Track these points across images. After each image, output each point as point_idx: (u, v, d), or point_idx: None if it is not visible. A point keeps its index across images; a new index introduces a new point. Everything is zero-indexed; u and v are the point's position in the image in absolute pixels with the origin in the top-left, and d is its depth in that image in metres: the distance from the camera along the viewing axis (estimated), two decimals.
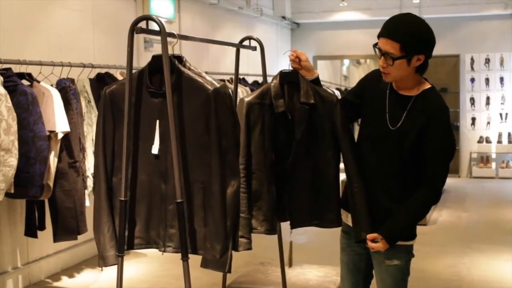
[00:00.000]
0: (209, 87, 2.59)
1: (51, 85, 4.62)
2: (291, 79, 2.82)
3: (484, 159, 11.22)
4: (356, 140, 2.83)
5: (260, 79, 7.99)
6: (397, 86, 2.66)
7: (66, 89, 4.61)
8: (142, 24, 2.66)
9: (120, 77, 5.30)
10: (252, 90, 7.63)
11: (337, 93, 11.02)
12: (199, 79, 2.63)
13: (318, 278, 3.91)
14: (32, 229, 4.72)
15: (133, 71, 2.70)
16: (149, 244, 2.78)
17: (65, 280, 5.31)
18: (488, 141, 11.17)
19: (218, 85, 2.61)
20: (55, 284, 5.22)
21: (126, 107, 2.64)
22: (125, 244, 2.74)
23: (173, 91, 2.59)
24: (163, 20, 5.04)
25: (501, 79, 11.15)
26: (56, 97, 4.44)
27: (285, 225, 2.93)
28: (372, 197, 2.69)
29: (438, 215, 7.79)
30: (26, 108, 4.20)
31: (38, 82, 4.56)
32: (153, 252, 2.86)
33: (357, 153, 2.75)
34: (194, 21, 8.24)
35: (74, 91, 4.70)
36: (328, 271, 4.03)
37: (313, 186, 2.84)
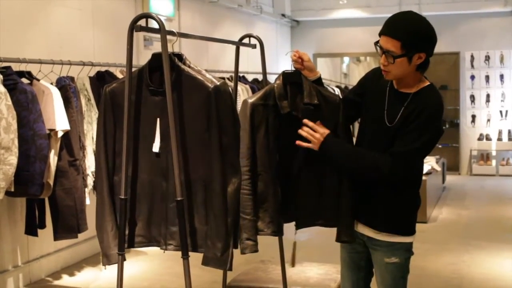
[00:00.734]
0: (209, 85, 2.59)
1: (51, 83, 4.62)
2: (293, 80, 2.80)
3: (484, 157, 11.22)
4: (356, 138, 2.84)
5: (260, 77, 7.99)
6: (397, 84, 2.67)
7: (66, 87, 4.61)
8: (142, 22, 2.66)
9: (120, 75, 5.29)
10: (252, 88, 7.63)
11: (337, 90, 11.03)
12: (199, 77, 2.63)
13: (318, 276, 3.91)
14: (32, 227, 4.72)
15: (133, 69, 2.70)
16: (150, 242, 2.78)
17: (65, 278, 5.31)
18: (488, 138, 11.17)
19: (218, 83, 2.60)
20: (56, 282, 5.23)
21: (126, 105, 2.63)
22: (125, 243, 2.73)
23: (173, 89, 2.58)
24: (162, 18, 5.04)
25: (501, 76, 11.15)
26: (56, 95, 4.44)
27: (286, 224, 2.92)
28: (370, 193, 2.69)
29: (439, 212, 7.80)
30: (26, 107, 4.20)
31: (38, 80, 4.55)
32: (154, 250, 2.86)
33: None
34: (193, 19, 8.23)
35: (74, 89, 4.70)
36: (328, 269, 4.03)
37: (317, 186, 2.83)
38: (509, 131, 11.09)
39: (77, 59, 5.11)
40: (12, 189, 4.13)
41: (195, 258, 2.70)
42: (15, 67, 4.43)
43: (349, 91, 2.98)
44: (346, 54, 12.91)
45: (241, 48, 3.54)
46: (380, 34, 2.57)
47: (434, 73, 10.94)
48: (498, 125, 11.20)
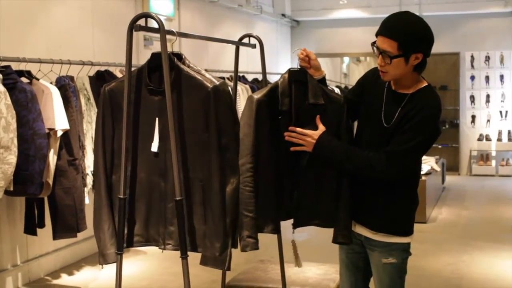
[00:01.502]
0: (209, 85, 2.58)
1: (51, 83, 4.62)
2: (299, 78, 2.79)
3: (484, 157, 11.22)
4: (354, 137, 2.83)
5: (259, 77, 7.99)
6: (395, 84, 2.66)
7: (65, 86, 4.61)
8: (141, 22, 2.66)
9: (119, 75, 5.29)
10: (252, 88, 7.63)
11: (337, 90, 11.03)
12: (199, 77, 2.63)
13: (317, 276, 3.91)
14: (31, 226, 4.72)
15: (133, 68, 2.70)
16: (149, 242, 2.78)
17: (64, 277, 5.31)
18: (488, 139, 11.16)
19: (218, 83, 2.60)
20: (55, 281, 5.22)
21: (125, 104, 2.63)
22: (124, 242, 2.73)
23: (172, 88, 2.58)
24: (162, 18, 5.04)
25: (501, 76, 11.15)
26: (55, 94, 4.44)
27: (284, 223, 2.92)
28: (366, 193, 2.70)
29: (438, 213, 7.80)
30: (26, 106, 4.20)
31: (38, 79, 4.55)
32: (152, 249, 2.86)
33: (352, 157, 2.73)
34: (193, 19, 8.23)
35: (73, 89, 4.70)
36: (327, 269, 4.02)
37: (316, 186, 2.83)
38: (509, 132, 11.09)
39: (77, 58, 5.11)
40: (11, 189, 4.13)
41: (194, 257, 2.70)
42: (15, 66, 4.43)
43: (349, 91, 2.97)
44: (346, 54, 12.91)
45: (241, 48, 3.53)
46: (377, 35, 2.57)
47: (434, 73, 10.97)
48: (498, 125, 11.20)
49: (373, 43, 2.59)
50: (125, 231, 2.73)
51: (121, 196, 2.66)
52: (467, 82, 11.32)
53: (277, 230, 2.86)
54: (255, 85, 7.98)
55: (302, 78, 2.78)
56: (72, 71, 4.94)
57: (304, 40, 11.95)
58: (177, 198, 2.58)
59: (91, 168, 4.76)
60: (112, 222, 2.74)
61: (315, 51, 11.86)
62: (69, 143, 4.55)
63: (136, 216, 2.76)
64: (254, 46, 3.51)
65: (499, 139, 11.12)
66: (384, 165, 2.55)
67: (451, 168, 10.97)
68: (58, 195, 4.53)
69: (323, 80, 2.84)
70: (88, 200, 4.78)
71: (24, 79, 4.48)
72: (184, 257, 2.62)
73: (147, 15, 2.67)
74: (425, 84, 2.64)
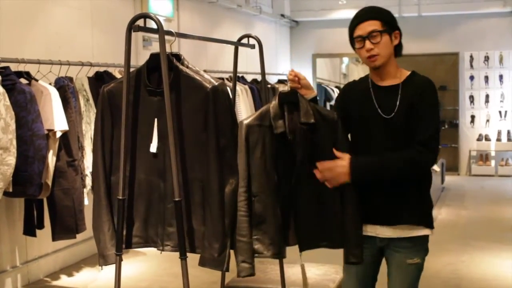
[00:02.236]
0: (207, 85, 2.58)
1: (50, 84, 4.61)
2: (290, 99, 2.78)
3: (484, 157, 11.22)
4: (352, 143, 2.82)
5: (258, 77, 7.98)
6: (379, 79, 2.70)
7: (64, 87, 4.60)
8: (140, 22, 2.66)
9: (118, 76, 5.29)
10: (251, 88, 7.64)
11: (337, 91, 11.03)
12: (197, 77, 2.62)
13: (317, 276, 3.91)
14: (31, 228, 4.72)
15: (132, 69, 2.69)
16: (148, 243, 2.77)
17: (64, 279, 5.31)
18: (487, 139, 11.16)
19: (216, 83, 2.60)
20: (54, 283, 5.22)
21: (124, 105, 2.63)
22: (123, 243, 2.73)
23: (171, 89, 2.58)
24: (161, 18, 5.03)
25: (500, 77, 11.15)
26: (54, 95, 4.44)
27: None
28: (389, 193, 2.68)
29: (438, 213, 7.79)
30: (25, 107, 4.20)
31: (37, 80, 4.55)
32: (152, 250, 2.85)
33: None
34: (192, 19, 8.23)
35: (72, 90, 4.70)
36: (327, 270, 4.02)
37: (317, 206, 2.79)
38: (508, 132, 11.08)
39: (76, 59, 5.10)
40: (11, 190, 4.13)
41: (193, 258, 2.70)
42: (14, 67, 4.43)
43: (334, 109, 2.96)
44: (346, 55, 12.90)
45: (240, 48, 3.53)
46: (354, 26, 2.69)
47: (433, 73, 10.93)
48: (497, 125, 11.20)
49: (351, 40, 2.72)
50: (124, 232, 2.73)
51: (120, 197, 2.66)
52: (467, 82, 11.31)
53: (279, 255, 2.78)
54: (254, 85, 7.98)
55: (293, 99, 2.77)
56: (71, 72, 4.93)
57: (303, 40, 11.95)
58: (176, 199, 2.57)
59: (90, 169, 4.75)
60: (112, 223, 2.74)
61: (314, 51, 11.88)
62: (68, 144, 4.55)
63: (135, 217, 2.75)
64: (253, 46, 3.51)
65: (499, 139, 11.11)
66: (424, 154, 2.59)
67: (451, 168, 10.97)
68: (57, 196, 4.52)
69: (314, 99, 2.84)
70: (87, 201, 4.78)
71: (23, 80, 4.47)
72: (183, 258, 2.61)
73: (146, 16, 2.67)
74: (409, 71, 2.72)
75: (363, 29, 2.64)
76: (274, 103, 2.78)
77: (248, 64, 7.91)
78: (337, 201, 2.74)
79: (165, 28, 2.62)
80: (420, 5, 10.82)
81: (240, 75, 7.95)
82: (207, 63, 8.30)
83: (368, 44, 2.62)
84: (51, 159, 4.39)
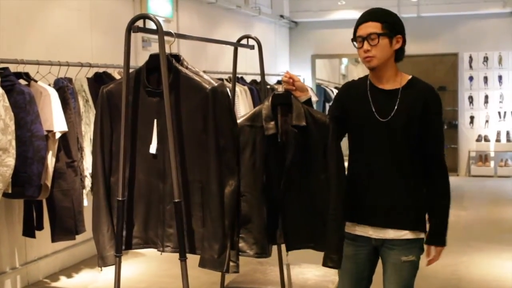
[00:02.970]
0: (207, 86, 2.58)
1: (49, 85, 4.61)
2: (283, 101, 2.78)
3: (483, 158, 11.22)
4: (349, 145, 2.83)
5: (258, 78, 7.98)
6: (378, 81, 2.70)
7: (63, 88, 4.60)
8: (140, 23, 2.65)
9: (118, 76, 5.29)
10: (250, 89, 7.64)
11: (336, 92, 11.02)
12: (197, 78, 2.62)
13: (316, 277, 3.91)
14: (30, 229, 4.71)
15: (131, 70, 2.69)
16: (147, 244, 2.77)
17: (63, 280, 5.30)
18: (486, 139, 11.16)
19: (216, 84, 2.60)
20: (54, 284, 5.21)
21: (124, 106, 2.63)
22: (123, 244, 2.72)
23: (170, 90, 2.58)
24: (161, 19, 5.03)
25: (500, 77, 11.15)
26: (53, 96, 4.43)
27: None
28: (388, 194, 2.69)
29: None
30: (24, 108, 4.19)
31: (36, 81, 4.55)
32: (151, 251, 2.85)
33: (342, 179, 2.73)
34: (192, 20, 8.23)
35: (71, 91, 4.69)
36: (327, 271, 4.02)
37: (307, 209, 2.80)
38: (507, 132, 11.08)
39: (75, 60, 5.10)
40: (10, 191, 4.12)
41: (193, 259, 2.69)
42: (13, 68, 4.42)
43: (330, 109, 2.96)
44: (345, 55, 12.90)
45: (240, 49, 3.53)
46: (356, 28, 2.68)
47: (433, 74, 10.97)
48: (496, 126, 11.20)
49: (353, 39, 2.70)
50: (124, 233, 2.73)
51: (120, 198, 2.66)
52: (466, 82, 11.31)
53: (262, 254, 2.80)
54: (254, 86, 7.98)
55: (286, 101, 2.77)
56: (70, 72, 4.93)
57: (302, 41, 11.95)
58: (176, 200, 2.57)
59: (90, 170, 4.75)
60: (111, 224, 2.73)
61: (314, 52, 11.88)
62: (67, 145, 4.55)
63: (134, 218, 2.75)
64: (252, 47, 3.51)
65: (498, 140, 11.11)
66: (446, 172, 2.80)
67: (450, 169, 10.87)
68: (57, 197, 4.52)
69: (309, 101, 2.84)
70: (86, 202, 4.77)
71: (22, 81, 4.47)
72: (183, 259, 2.61)
73: (145, 17, 2.66)
74: (409, 76, 2.72)
75: (364, 30, 2.65)
76: (266, 104, 2.78)
77: (248, 65, 7.91)
78: (324, 205, 2.74)
79: (164, 29, 2.62)
80: (419, 6, 10.82)
81: (240, 76, 7.95)
82: (207, 64, 8.30)
83: (366, 45, 2.63)
84: (51, 160, 4.38)
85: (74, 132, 4.63)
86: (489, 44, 11.09)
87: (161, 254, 2.79)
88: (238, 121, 2.75)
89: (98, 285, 5.13)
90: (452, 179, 10.22)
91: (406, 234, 2.69)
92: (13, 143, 4.02)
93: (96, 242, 2.77)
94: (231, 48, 3.53)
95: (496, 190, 9.82)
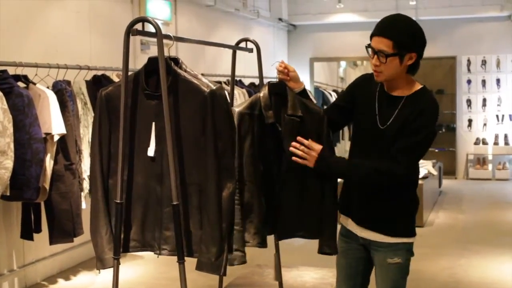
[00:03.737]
0: (205, 89, 2.58)
1: (47, 87, 4.61)
2: (278, 91, 2.80)
3: (481, 161, 11.23)
4: (350, 143, 2.84)
5: (256, 81, 7.99)
6: (388, 87, 2.68)
7: (62, 91, 4.60)
8: (138, 26, 2.66)
9: (116, 79, 5.29)
10: (248, 92, 7.64)
11: (334, 95, 11.04)
12: (195, 81, 2.63)
13: (314, 280, 3.91)
14: (28, 231, 4.71)
15: (129, 73, 2.69)
16: (145, 247, 2.77)
17: (61, 282, 5.30)
18: (484, 142, 11.18)
19: (214, 87, 2.60)
20: (51, 286, 5.21)
21: (122, 109, 2.63)
22: (120, 247, 2.72)
23: (169, 93, 2.58)
24: (159, 22, 5.04)
25: (498, 80, 11.17)
26: (52, 99, 4.44)
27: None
28: (370, 198, 2.69)
29: (435, 216, 7.80)
30: (22, 110, 4.19)
31: (34, 84, 4.55)
32: (149, 254, 2.85)
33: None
34: (190, 23, 8.24)
35: (70, 93, 4.70)
36: (325, 273, 4.02)
37: (299, 197, 2.82)
38: (505, 136, 11.10)
39: (74, 62, 5.10)
40: (8, 193, 4.13)
41: (191, 262, 2.69)
42: (11, 70, 4.43)
43: (338, 97, 2.96)
44: (343, 58, 12.91)
45: (238, 52, 3.54)
46: (371, 36, 2.60)
47: (431, 77, 10.99)
48: (494, 129, 11.21)
49: (368, 45, 2.61)
50: (122, 236, 2.73)
51: (118, 201, 2.66)
52: (464, 86, 11.33)
53: (264, 243, 2.82)
54: (252, 89, 7.98)
55: (281, 91, 2.78)
56: (69, 75, 4.93)
57: (301, 44, 11.96)
58: (174, 203, 2.57)
59: (88, 173, 4.75)
60: (110, 227, 2.73)
61: (312, 55, 11.89)
62: (65, 147, 4.55)
63: (132, 221, 2.75)
64: (251, 50, 3.52)
65: (496, 143, 11.12)
66: (391, 167, 2.56)
67: (448, 172, 10.98)
68: (55, 200, 4.52)
69: (303, 92, 2.84)
70: (85, 204, 4.77)
71: (21, 84, 4.47)
72: (181, 262, 2.61)
73: (144, 20, 2.67)
74: (420, 86, 2.67)
75: (375, 43, 2.57)
76: (264, 93, 2.80)
77: (246, 68, 7.92)
78: (318, 193, 2.77)
79: (163, 32, 2.62)
80: (417, 9, 10.84)
81: (238, 78, 7.95)
82: (205, 67, 8.30)
83: (374, 60, 2.58)
84: (49, 163, 4.39)
85: (73, 134, 4.63)
86: (487, 48, 11.11)
87: (158, 257, 2.79)
88: (237, 109, 2.77)
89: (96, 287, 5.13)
90: (450, 182, 10.27)
91: (389, 238, 2.69)
92: (12, 145, 4.02)
93: (95, 245, 2.77)
94: (230, 51, 3.53)
95: (494, 193, 9.83)
